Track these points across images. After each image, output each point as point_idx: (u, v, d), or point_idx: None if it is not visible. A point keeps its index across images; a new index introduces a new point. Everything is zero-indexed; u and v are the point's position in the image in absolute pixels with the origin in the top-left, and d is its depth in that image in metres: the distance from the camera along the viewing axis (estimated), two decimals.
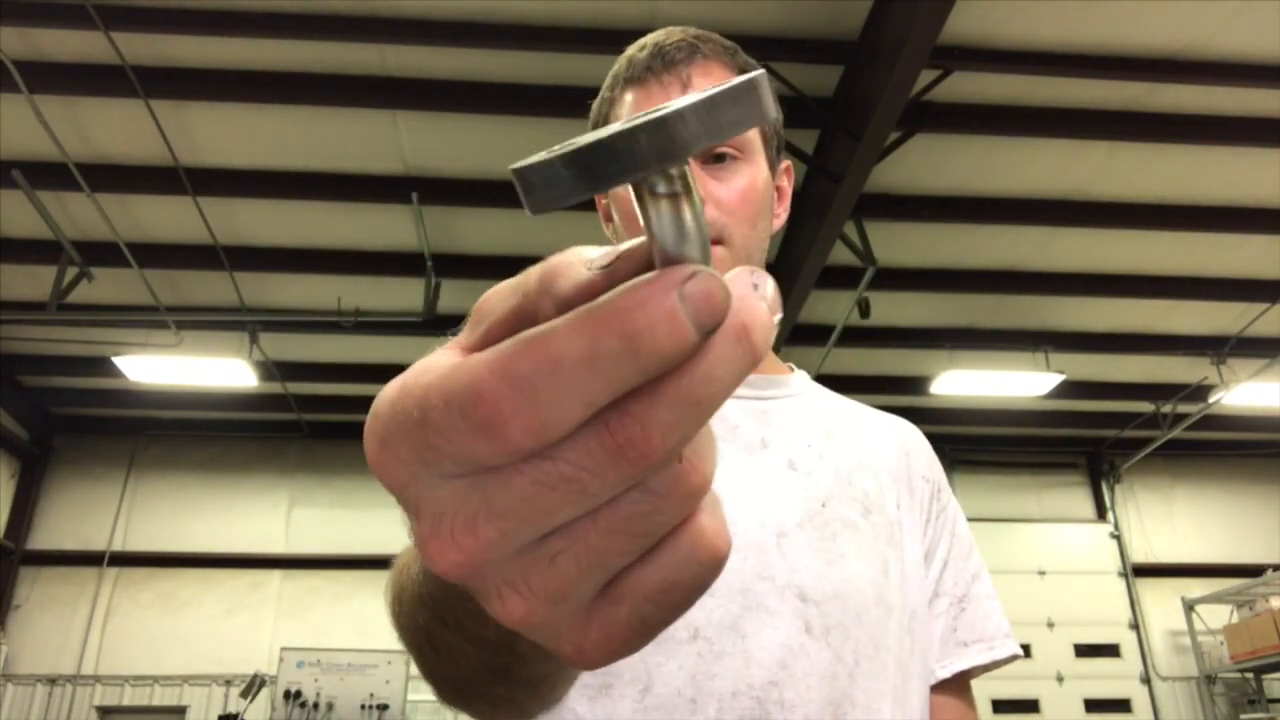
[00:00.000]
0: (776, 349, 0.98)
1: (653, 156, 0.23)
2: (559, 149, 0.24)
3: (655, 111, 0.23)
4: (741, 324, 0.24)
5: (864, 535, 0.84)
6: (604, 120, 0.93)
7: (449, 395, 0.23)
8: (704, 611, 0.76)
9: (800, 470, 0.85)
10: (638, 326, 0.22)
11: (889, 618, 0.81)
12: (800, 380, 0.97)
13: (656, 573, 0.26)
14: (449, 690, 0.52)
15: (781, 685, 0.74)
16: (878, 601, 0.81)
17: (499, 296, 0.27)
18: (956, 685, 0.89)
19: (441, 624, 0.43)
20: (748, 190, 0.87)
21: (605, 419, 0.23)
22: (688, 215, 0.25)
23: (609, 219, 0.95)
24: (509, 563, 0.25)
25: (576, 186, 0.24)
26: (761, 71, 0.24)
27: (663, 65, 0.87)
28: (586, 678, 0.73)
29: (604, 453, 0.23)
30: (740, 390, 0.87)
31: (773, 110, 0.25)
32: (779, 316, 0.25)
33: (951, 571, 0.92)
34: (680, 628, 0.75)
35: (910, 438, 0.98)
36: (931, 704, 0.86)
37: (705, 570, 0.26)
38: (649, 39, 0.91)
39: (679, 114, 0.23)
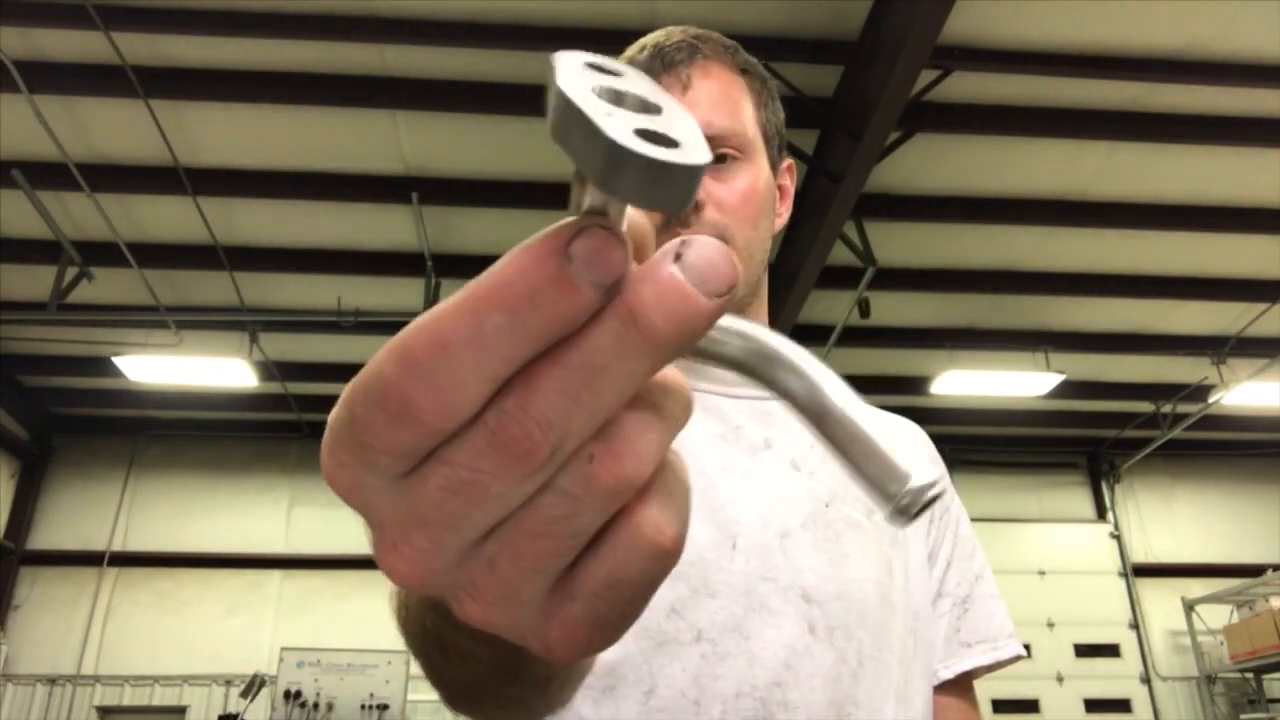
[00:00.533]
0: None
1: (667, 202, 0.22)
2: (605, 116, 0.22)
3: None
4: (627, 306, 0.22)
5: (867, 535, 0.84)
6: None
7: (365, 389, 0.23)
8: (707, 613, 0.76)
9: (803, 470, 0.85)
10: (518, 295, 0.22)
11: (892, 618, 0.81)
12: None
13: (601, 568, 0.25)
14: (459, 694, 0.52)
15: (785, 686, 0.74)
16: (881, 602, 0.81)
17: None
18: (960, 686, 0.89)
19: (450, 625, 0.43)
20: (749, 191, 0.87)
21: (484, 418, 0.23)
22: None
23: None
24: (454, 570, 0.25)
25: (584, 155, 0.22)
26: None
27: (662, 66, 0.87)
28: (591, 680, 0.73)
29: (492, 451, 0.23)
30: (743, 390, 0.88)
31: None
32: (717, 299, 0.23)
33: (955, 572, 0.92)
34: (684, 629, 0.75)
35: (913, 437, 0.98)
36: (935, 704, 0.86)
37: (651, 564, 0.25)
38: (648, 40, 0.90)
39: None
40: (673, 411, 0.25)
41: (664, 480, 0.25)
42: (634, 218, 0.25)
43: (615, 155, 0.21)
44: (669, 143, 0.22)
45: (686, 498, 0.26)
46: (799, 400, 0.26)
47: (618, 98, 0.23)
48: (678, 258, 0.23)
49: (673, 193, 0.21)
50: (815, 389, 0.26)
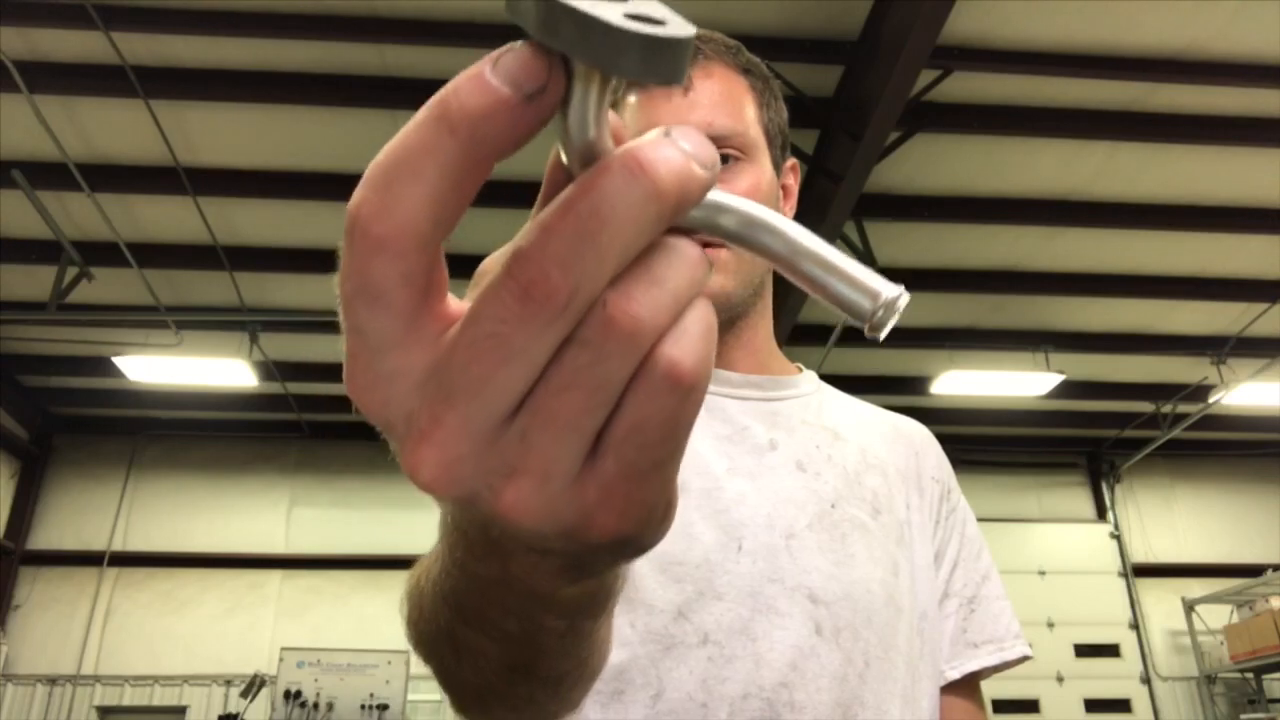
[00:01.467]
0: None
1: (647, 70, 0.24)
2: (592, 5, 0.24)
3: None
4: (635, 157, 0.24)
5: (873, 536, 0.84)
6: None
7: (346, 227, 0.25)
8: (713, 616, 0.76)
9: (809, 471, 0.85)
10: (447, 100, 0.24)
11: (899, 619, 0.81)
12: (809, 381, 0.96)
13: (624, 414, 0.26)
14: (470, 698, 0.51)
15: (792, 687, 0.74)
16: (888, 603, 0.81)
17: (498, 252, 0.28)
18: (966, 686, 0.89)
19: (463, 622, 0.43)
20: (751, 191, 0.87)
21: (507, 265, 0.24)
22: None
23: None
24: (485, 454, 0.26)
25: (579, 44, 0.24)
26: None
27: None
28: (599, 685, 0.73)
29: (512, 299, 0.24)
30: (748, 391, 0.89)
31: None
32: (707, 171, 0.25)
33: (961, 572, 0.91)
34: (690, 632, 0.75)
35: (920, 438, 0.98)
36: (942, 705, 0.86)
37: (670, 400, 0.26)
38: None
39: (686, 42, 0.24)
40: (687, 261, 0.26)
41: (682, 322, 0.26)
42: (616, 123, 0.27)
43: (613, 38, 0.23)
44: (656, 22, 0.24)
45: (706, 336, 0.27)
46: (777, 252, 0.29)
47: None
48: (668, 134, 0.25)
49: (669, 66, 0.24)
50: (790, 240, 0.29)
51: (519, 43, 0.25)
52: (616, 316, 0.25)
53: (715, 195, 0.28)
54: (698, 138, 0.26)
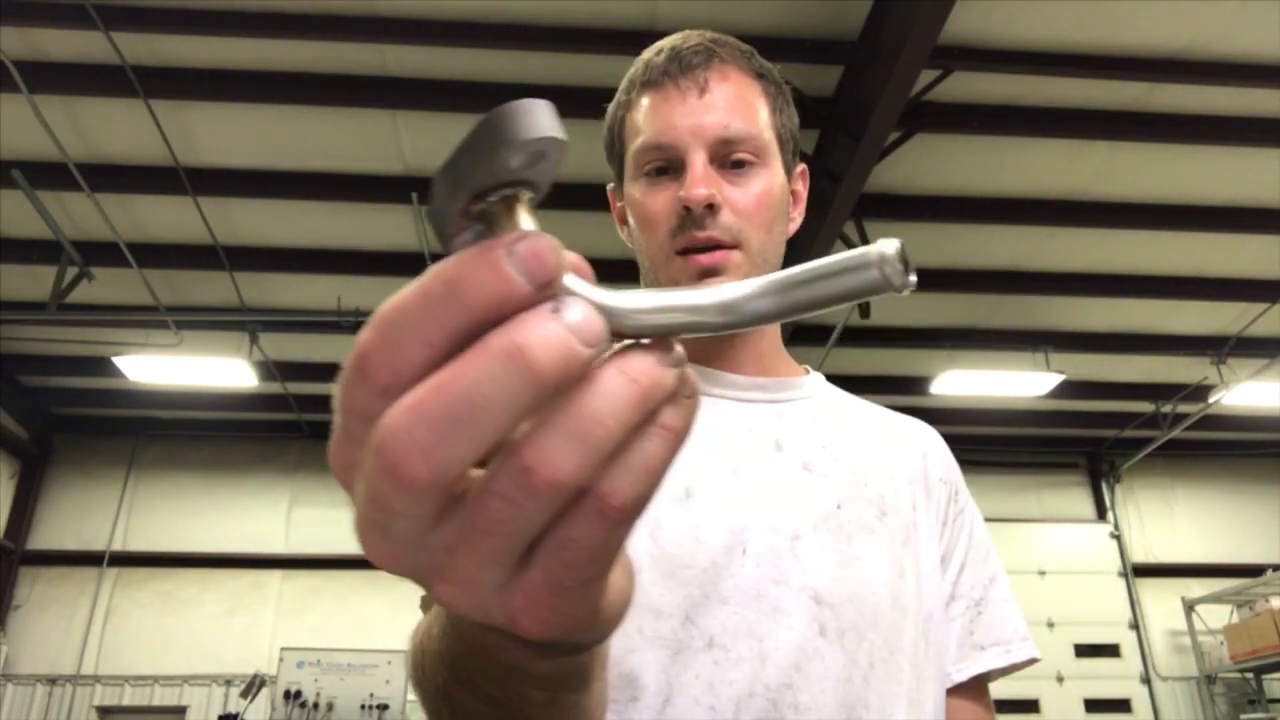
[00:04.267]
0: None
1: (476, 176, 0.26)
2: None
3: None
4: (511, 340, 0.25)
5: (879, 537, 0.83)
6: (619, 125, 0.92)
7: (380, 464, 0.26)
8: (719, 619, 0.76)
9: (815, 472, 0.85)
10: (459, 276, 0.25)
11: (904, 620, 0.81)
12: (815, 382, 0.96)
13: (554, 535, 0.27)
14: None
15: (796, 688, 0.74)
16: (893, 604, 0.80)
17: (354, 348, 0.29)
18: (973, 688, 0.88)
19: (458, 682, 0.44)
20: (764, 195, 0.87)
21: (375, 442, 0.25)
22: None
23: (624, 222, 0.95)
24: (419, 553, 0.27)
25: (441, 198, 0.27)
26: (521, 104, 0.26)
27: (680, 69, 0.87)
28: (613, 694, 0.73)
29: (382, 476, 0.25)
30: (754, 394, 0.89)
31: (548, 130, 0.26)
32: (591, 349, 0.25)
33: (969, 574, 0.91)
34: (696, 637, 0.75)
35: (928, 439, 0.97)
36: (948, 707, 0.86)
37: (596, 528, 0.27)
38: (665, 43, 0.90)
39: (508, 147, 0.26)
40: (621, 402, 0.26)
41: (625, 456, 0.27)
42: (570, 257, 0.28)
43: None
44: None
45: (646, 474, 0.27)
46: (772, 311, 0.29)
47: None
48: (558, 310, 0.25)
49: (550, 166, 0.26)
50: (769, 289, 0.29)
51: (535, 233, 0.26)
52: (536, 480, 0.25)
53: (692, 296, 0.28)
54: (586, 312, 0.26)
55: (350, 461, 0.27)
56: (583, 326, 0.25)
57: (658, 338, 0.28)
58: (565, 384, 0.25)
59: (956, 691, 0.87)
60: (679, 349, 0.28)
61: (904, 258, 0.28)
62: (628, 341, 0.28)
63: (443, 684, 0.46)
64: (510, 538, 0.26)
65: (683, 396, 0.28)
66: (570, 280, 0.27)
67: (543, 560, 0.27)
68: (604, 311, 0.27)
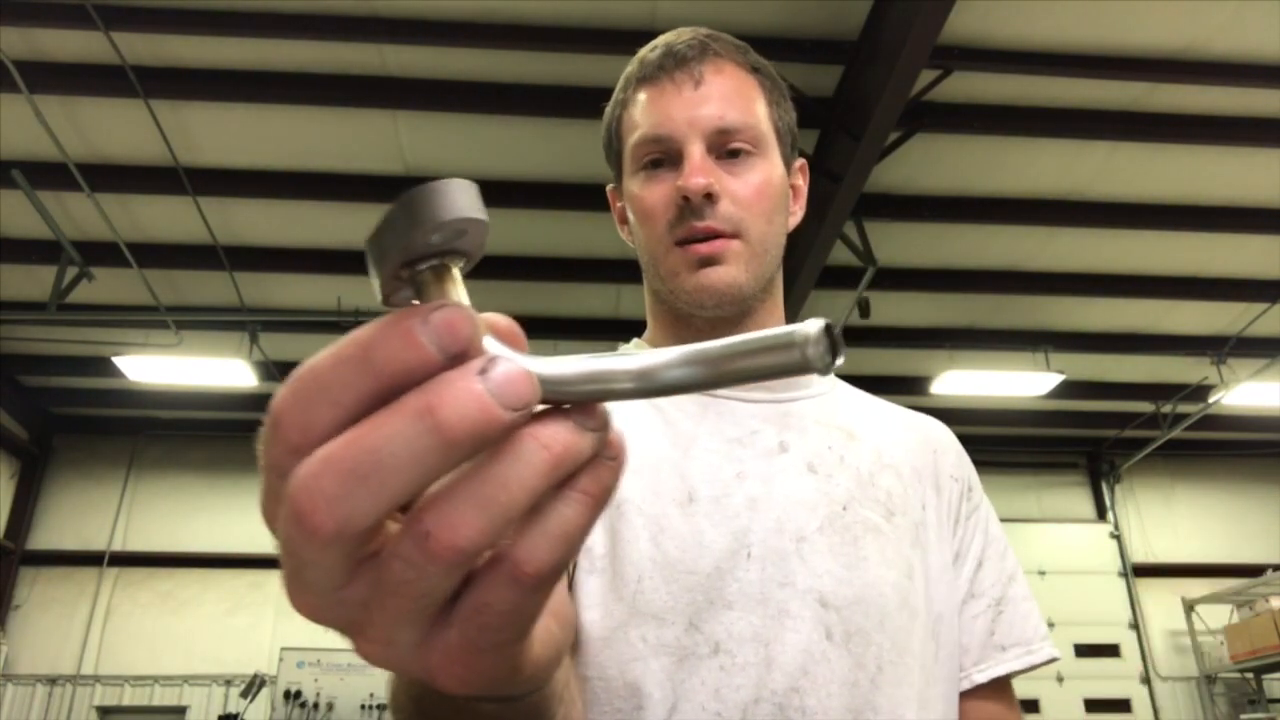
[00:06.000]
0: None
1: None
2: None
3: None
4: (425, 400, 0.25)
5: (887, 538, 0.82)
6: (617, 122, 0.92)
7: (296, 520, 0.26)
8: (724, 625, 0.75)
9: (820, 473, 0.84)
10: (372, 342, 0.25)
11: (913, 622, 0.80)
12: (824, 379, 0.94)
13: (470, 597, 0.27)
14: None
15: (803, 692, 0.74)
16: (901, 606, 0.79)
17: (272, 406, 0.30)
18: (996, 688, 0.87)
19: (422, 716, 0.45)
20: (763, 185, 0.86)
21: (289, 489, 0.25)
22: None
23: (624, 221, 0.95)
24: (336, 608, 0.27)
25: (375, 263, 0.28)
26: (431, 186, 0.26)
27: (675, 64, 0.87)
28: (618, 703, 0.73)
29: (289, 520, 0.25)
30: (758, 394, 0.88)
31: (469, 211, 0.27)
32: (514, 413, 0.25)
33: (988, 572, 0.90)
34: (701, 643, 0.74)
35: (939, 436, 0.96)
36: (972, 709, 0.85)
37: (511, 593, 0.27)
38: (660, 40, 0.90)
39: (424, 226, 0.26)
40: (532, 469, 0.26)
41: (541, 521, 0.27)
42: (492, 319, 0.28)
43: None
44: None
45: (562, 539, 0.27)
46: (688, 383, 0.29)
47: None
48: (483, 372, 0.25)
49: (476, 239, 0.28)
50: (688, 359, 0.29)
51: (453, 305, 0.26)
52: (435, 546, 0.25)
53: (608, 362, 0.29)
54: (512, 375, 0.26)
55: (274, 514, 0.27)
56: (505, 389, 0.25)
57: (580, 403, 0.28)
58: (481, 447, 0.25)
59: (979, 692, 0.85)
60: (603, 413, 0.28)
61: (830, 338, 0.28)
62: (548, 407, 0.28)
63: (409, 717, 0.47)
64: (416, 599, 0.26)
65: (604, 459, 0.28)
66: (493, 346, 0.27)
67: (459, 622, 0.27)
68: None
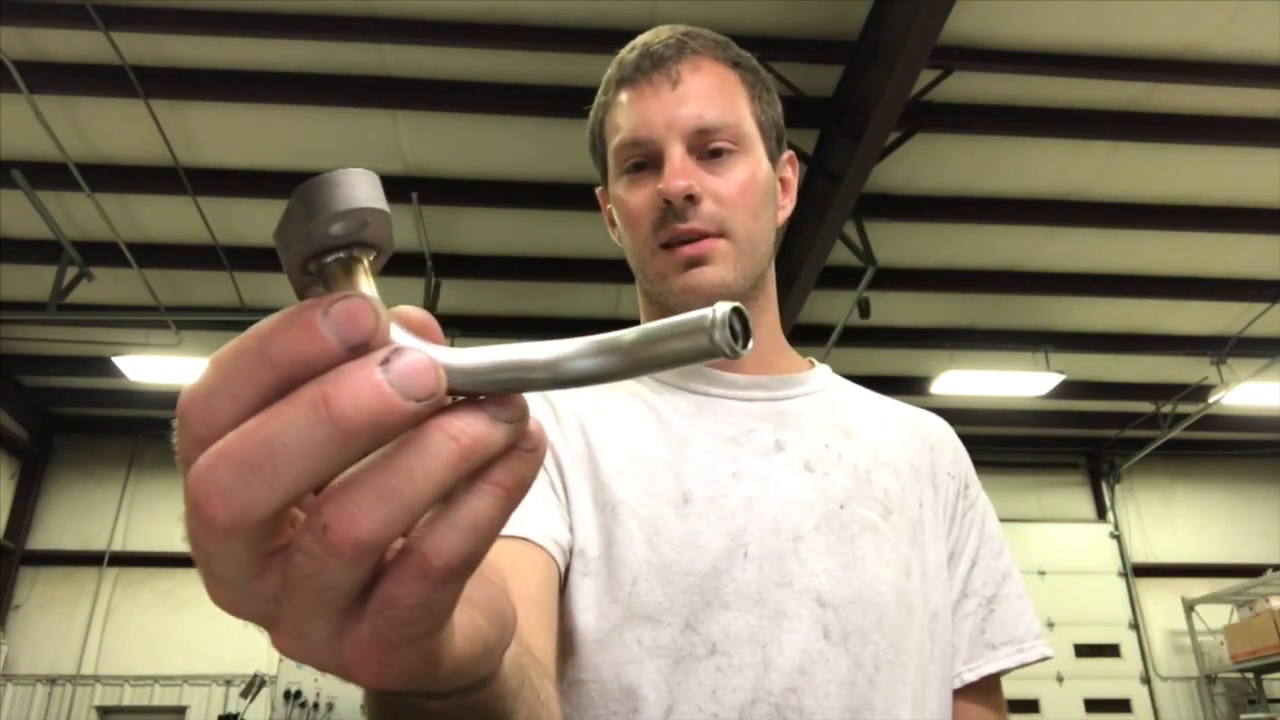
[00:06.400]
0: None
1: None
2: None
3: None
4: (320, 390, 0.24)
5: (884, 537, 0.82)
6: (600, 125, 0.92)
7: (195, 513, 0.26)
8: (720, 625, 0.75)
9: (817, 471, 0.83)
10: (272, 333, 0.25)
11: (910, 621, 0.79)
12: (820, 376, 0.94)
13: (380, 592, 0.27)
14: None
15: (800, 692, 0.73)
16: (899, 605, 0.79)
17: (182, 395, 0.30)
18: (984, 688, 0.86)
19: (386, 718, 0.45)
20: (747, 182, 0.86)
21: (188, 480, 0.25)
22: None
23: (614, 223, 0.95)
24: (249, 601, 0.27)
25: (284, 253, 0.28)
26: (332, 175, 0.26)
27: (652, 64, 0.87)
28: (615, 705, 0.73)
29: (189, 509, 0.25)
30: (754, 393, 0.88)
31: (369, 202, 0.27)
32: (416, 402, 0.25)
33: (980, 571, 0.89)
34: (698, 644, 0.74)
35: (937, 433, 0.95)
36: (959, 708, 0.84)
37: (418, 587, 0.27)
38: (638, 40, 0.90)
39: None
40: (439, 460, 0.26)
41: (451, 512, 0.27)
42: (404, 311, 0.28)
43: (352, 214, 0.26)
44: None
45: (472, 532, 0.27)
46: (597, 372, 0.29)
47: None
48: (385, 362, 0.25)
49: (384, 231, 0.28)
50: (595, 349, 0.29)
51: (357, 295, 0.26)
52: (334, 538, 0.25)
53: (522, 351, 0.28)
54: (415, 365, 0.25)
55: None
56: (408, 379, 0.25)
57: (495, 394, 0.27)
58: (383, 437, 0.25)
59: (968, 691, 0.85)
60: (520, 403, 0.28)
61: (741, 322, 0.28)
62: (460, 399, 0.27)
63: (373, 715, 0.46)
64: (322, 593, 0.26)
65: (522, 451, 0.28)
66: (402, 337, 0.27)
67: (369, 616, 0.27)
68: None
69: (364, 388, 0.24)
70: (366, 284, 0.28)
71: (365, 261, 0.28)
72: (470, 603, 0.33)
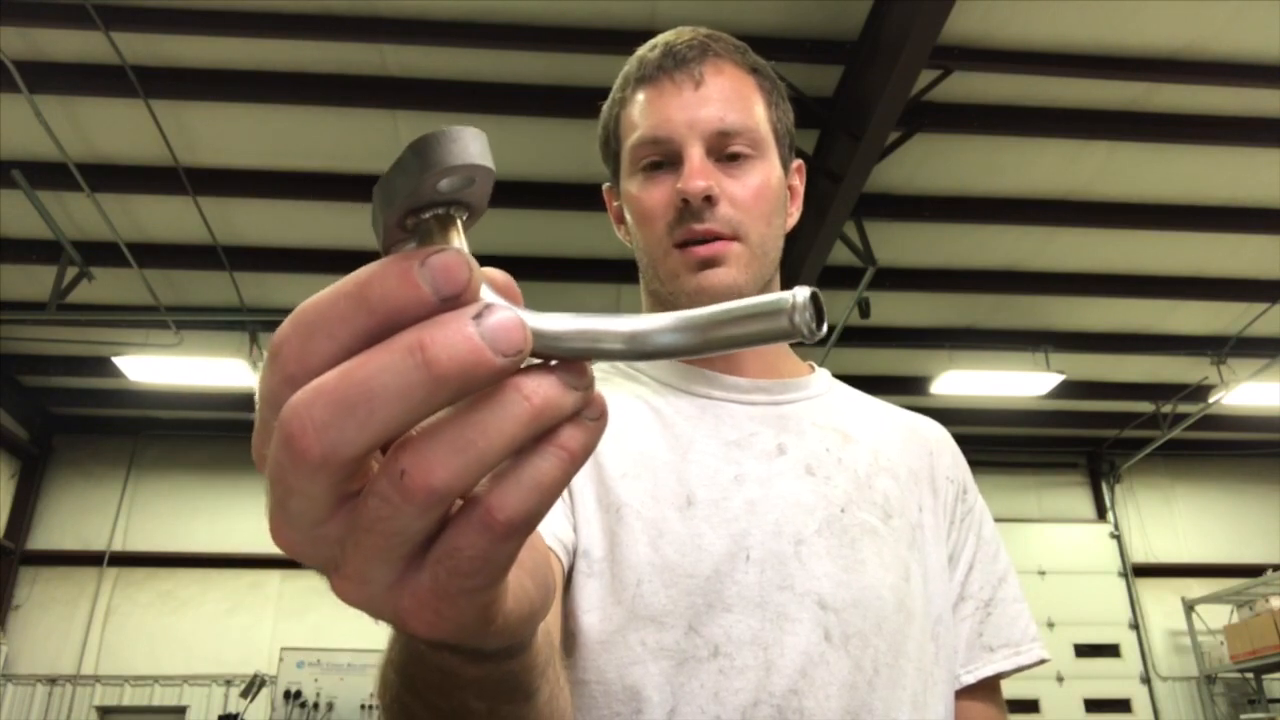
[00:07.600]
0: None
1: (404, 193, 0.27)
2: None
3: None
4: (417, 337, 0.25)
5: (884, 540, 0.82)
6: (614, 122, 0.92)
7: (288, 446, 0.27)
8: (723, 628, 0.75)
9: (818, 475, 0.84)
10: (372, 281, 0.26)
11: (910, 624, 0.80)
12: (821, 380, 0.95)
13: (443, 542, 0.28)
14: None
15: (801, 694, 0.74)
16: (898, 608, 0.80)
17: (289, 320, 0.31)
18: (984, 689, 0.87)
19: (408, 691, 0.45)
20: (762, 187, 0.86)
21: (282, 413, 0.26)
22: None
23: (620, 221, 0.95)
24: (315, 544, 0.28)
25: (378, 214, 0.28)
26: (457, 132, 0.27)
27: (675, 64, 0.87)
28: (618, 706, 0.74)
29: (278, 442, 0.26)
30: (756, 396, 0.88)
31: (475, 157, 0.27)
32: (506, 359, 0.26)
33: (978, 574, 0.90)
34: (700, 646, 0.74)
35: (935, 437, 0.96)
36: (959, 708, 0.85)
37: (482, 539, 0.28)
38: (659, 39, 0.90)
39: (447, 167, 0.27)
40: (513, 418, 0.27)
41: (517, 471, 0.28)
42: (490, 273, 0.29)
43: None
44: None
45: (537, 490, 0.28)
46: (680, 347, 0.29)
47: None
48: (477, 316, 0.26)
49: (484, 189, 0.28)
50: (680, 325, 0.29)
51: (451, 249, 0.27)
52: (409, 484, 0.26)
53: (599, 321, 0.29)
54: (507, 323, 0.26)
55: (263, 450, 0.28)
56: (498, 334, 0.26)
57: (568, 360, 0.28)
58: (470, 388, 0.26)
59: (967, 693, 0.86)
60: (589, 373, 0.29)
61: (817, 307, 0.28)
62: (537, 361, 0.28)
63: (399, 694, 0.47)
64: (390, 537, 0.27)
65: (586, 419, 0.29)
66: (490, 296, 0.27)
67: (431, 565, 0.28)
68: None
69: (458, 338, 0.25)
70: (460, 242, 0.28)
71: (460, 220, 0.29)
72: (520, 566, 0.35)
